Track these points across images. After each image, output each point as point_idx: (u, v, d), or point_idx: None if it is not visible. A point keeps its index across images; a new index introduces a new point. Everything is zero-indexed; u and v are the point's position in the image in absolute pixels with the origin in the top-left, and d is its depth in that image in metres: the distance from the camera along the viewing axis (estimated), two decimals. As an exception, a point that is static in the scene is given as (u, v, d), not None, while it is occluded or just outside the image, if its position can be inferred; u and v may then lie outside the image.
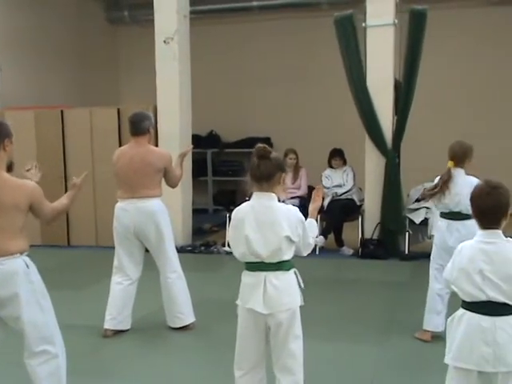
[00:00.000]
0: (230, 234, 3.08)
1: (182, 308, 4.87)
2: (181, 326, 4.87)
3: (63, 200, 3.36)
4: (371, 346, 4.50)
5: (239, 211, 3.03)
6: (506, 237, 2.69)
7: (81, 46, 10.62)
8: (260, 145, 2.98)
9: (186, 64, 8.08)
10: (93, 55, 10.92)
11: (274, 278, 2.93)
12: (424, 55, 7.25)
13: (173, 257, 4.88)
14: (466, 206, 4.34)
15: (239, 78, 10.90)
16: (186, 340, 4.75)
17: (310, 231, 3.05)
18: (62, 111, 8.34)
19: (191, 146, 5.64)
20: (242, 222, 2.97)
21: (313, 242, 3.06)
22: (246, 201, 3.04)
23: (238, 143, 10.75)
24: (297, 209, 3.02)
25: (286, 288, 2.96)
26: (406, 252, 7.37)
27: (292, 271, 3.00)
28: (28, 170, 3.62)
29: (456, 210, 4.46)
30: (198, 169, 9.85)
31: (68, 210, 3.54)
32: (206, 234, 8.82)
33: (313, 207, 3.17)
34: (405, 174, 7.61)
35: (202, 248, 7.95)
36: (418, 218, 7.34)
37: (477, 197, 2.71)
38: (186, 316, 4.89)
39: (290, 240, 2.93)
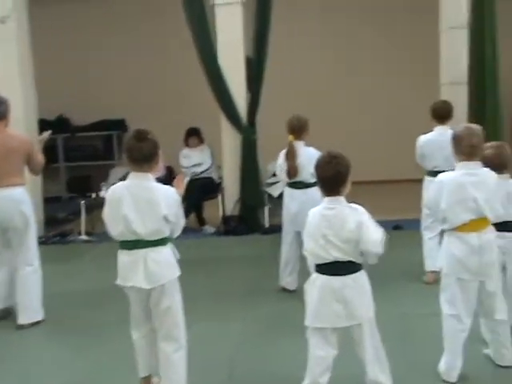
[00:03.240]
0: (106, 213, 3.09)
1: (33, 304, 4.60)
2: (33, 322, 4.59)
3: None
4: (233, 321, 4.51)
5: (115, 191, 3.06)
6: (350, 202, 2.89)
7: None
8: (137, 128, 3.07)
9: (25, 44, 7.56)
10: None
11: (154, 253, 3.04)
12: (275, 31, 7.34)
13: (33, 249, 4.66)
14: (306, 176, 4.63)
15: (87, 57, 10.44)
16: (38, 336, 4.50)
17: None
18: None
19: (50, 131, 5.36)
20: (119, 201, 3.01)
21: (183, 224, 3.18)
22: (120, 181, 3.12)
23: (90, 126, 10.34)
24: (174, 189, 3.13)
25: (167, 261, 3.09)
26: (267, 226, 7.48)
27: (169, 245, 3.11)
28: None
29: (298, 179, 4.82)
30: (48, 155, 9.31)
31: None
32: (61, 224, 8.39)
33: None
34: (261, 149, 7.69)
35: (57, 238, 7.53)
36: (275, 191, 7.47)
37: (318, 166, 2.93)
38: (37, 312, 4.63)
39: (167, 220, 3.01)
